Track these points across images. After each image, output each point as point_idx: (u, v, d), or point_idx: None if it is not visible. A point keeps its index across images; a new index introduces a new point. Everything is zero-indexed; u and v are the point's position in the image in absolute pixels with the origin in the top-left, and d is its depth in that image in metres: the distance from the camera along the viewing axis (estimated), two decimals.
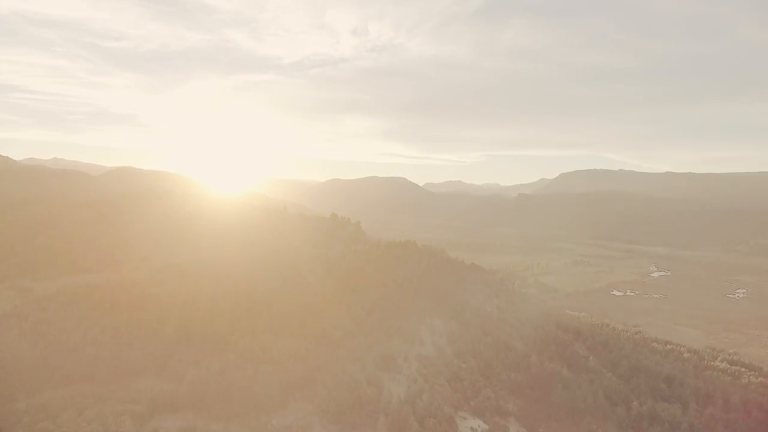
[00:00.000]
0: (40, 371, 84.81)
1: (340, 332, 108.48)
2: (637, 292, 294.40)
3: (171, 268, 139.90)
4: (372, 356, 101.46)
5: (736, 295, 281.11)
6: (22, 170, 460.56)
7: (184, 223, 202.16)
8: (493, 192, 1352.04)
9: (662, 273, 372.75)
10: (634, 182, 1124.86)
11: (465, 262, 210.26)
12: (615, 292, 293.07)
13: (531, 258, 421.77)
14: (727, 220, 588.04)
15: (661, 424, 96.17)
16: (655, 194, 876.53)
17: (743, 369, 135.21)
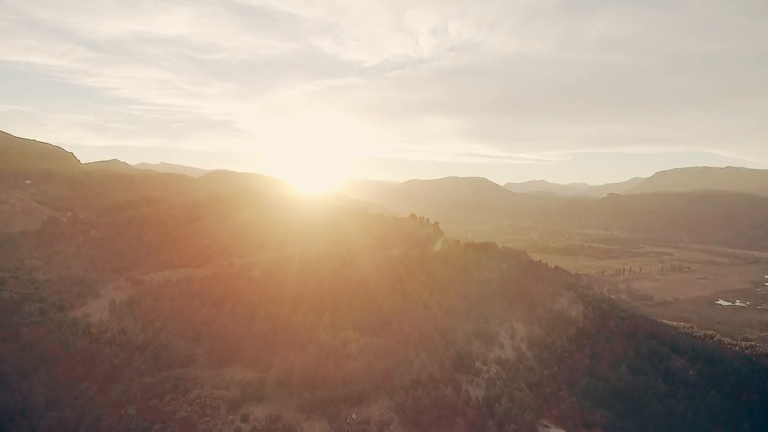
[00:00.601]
0: (152, 354, 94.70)
1: (418, 332, 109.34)
2: (747, 303, 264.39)
3: (259, 265, 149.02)
4: (450, 357, 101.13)
5: None
6: (135, 174, 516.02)
7: (272, 222, 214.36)
8: (579, 192, 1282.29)
9: None
10: (742, 180, 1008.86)
11: (548, 264, 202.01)
12: (721, 302, 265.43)
13: (622, 262, 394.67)
14: None
15: None
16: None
17: None
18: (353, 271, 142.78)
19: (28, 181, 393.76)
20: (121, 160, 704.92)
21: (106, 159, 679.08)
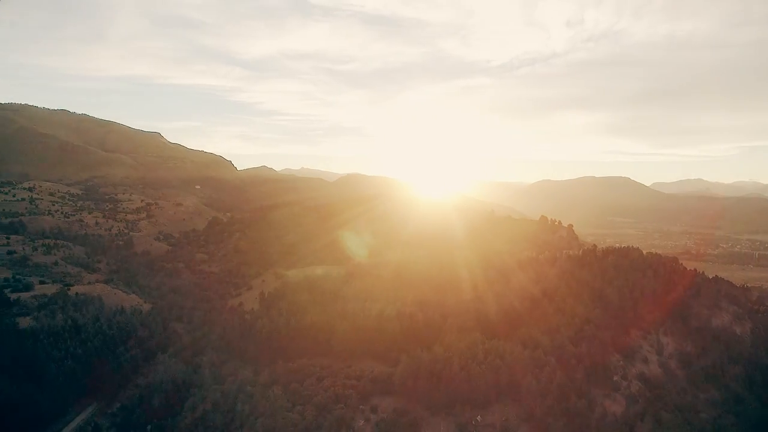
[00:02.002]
0: (293, 342, 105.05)
1: (549, 339, 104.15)
2: None
3: (389, 264, 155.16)
4: (583, 368, 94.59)
5: None
6: (280, 178, 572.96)
7: (400, 223, 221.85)
8: (749, 191, 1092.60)
9: None
10: None
11: (705, 274, 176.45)
12: None
13: None
14: None
15: None
16: None
17: None
18: (480, 274, 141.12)
19: (198, 186, 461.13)
20: (269, 167, 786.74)
21: (257, 166, 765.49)
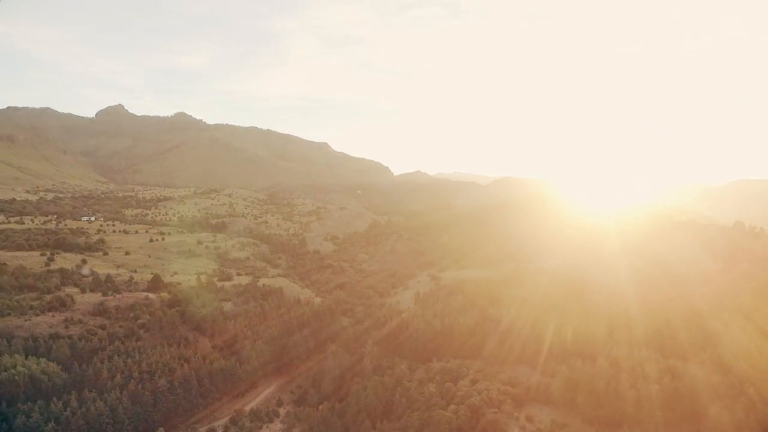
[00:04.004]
0: (446, 342, 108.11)
1: (746, 364, 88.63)
2: None
3: (546, 271, 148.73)
4: None
5: None
6: (433, 183, 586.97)
7: (557, 227, 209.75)
8: None
9: None
10: None
11: None
12: None
13: None
14: None
15: None
16: None
17: None
18: (654, 284, 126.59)
19: (359, 191, 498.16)
20: (423, 171, 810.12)
21: (411, 171, 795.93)
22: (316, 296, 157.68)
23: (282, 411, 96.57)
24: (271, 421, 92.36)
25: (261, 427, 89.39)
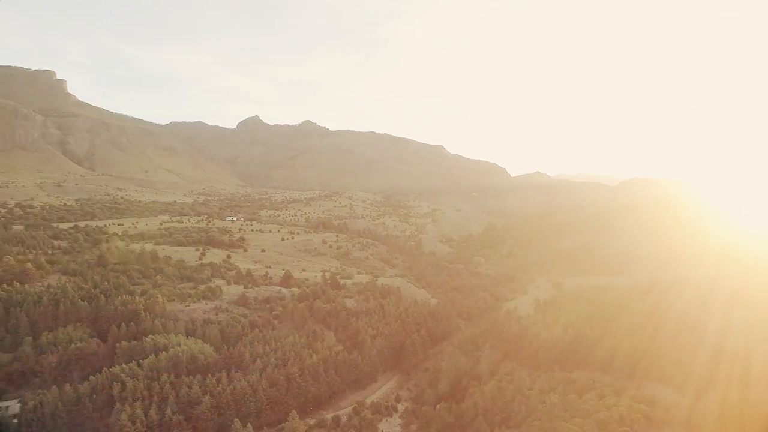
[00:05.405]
0: (570, 352, 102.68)
1: None
2: None
3: (686, 281, 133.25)
4: None
5: None
6: (554, 184, 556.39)
7: (697, 233, 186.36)
8: None
9: None
10: None
11: None
12: None
13: None
14: None
15: None
16: None
17: None
18: None
19: (474, 193, 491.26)
20: (542, 172, 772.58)
21: (530, 173, 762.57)
22: (432, 297, 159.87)
23: (400, 407, 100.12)
24: (390, 415, 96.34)
25: (380, 420, 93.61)
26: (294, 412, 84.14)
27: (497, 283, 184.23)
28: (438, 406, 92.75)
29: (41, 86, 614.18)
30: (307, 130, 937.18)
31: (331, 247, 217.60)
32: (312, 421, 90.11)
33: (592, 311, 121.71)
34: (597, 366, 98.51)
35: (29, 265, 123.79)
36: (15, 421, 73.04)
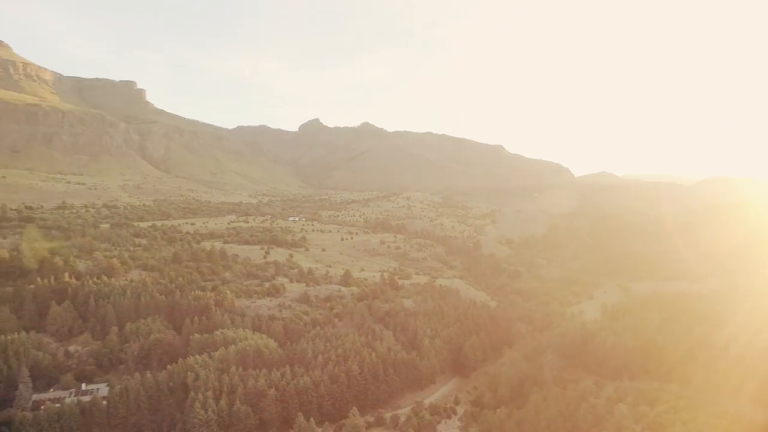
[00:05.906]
0: (639, 360, 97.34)
1: None
2: None
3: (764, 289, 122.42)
4: None
5: None
6: (624, 184, 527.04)
7: None
8: None
9: None
10: None
11: None
12: None
13: None
14: None
15: None
16: None
17: None
18: None
19: (536, 194, 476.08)
20: (609, 172, 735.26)
21: (595, 172, 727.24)
22: (491, 300, 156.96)
23: (459, 409, 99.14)
24: (448, 417, 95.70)
25: (439, 422, 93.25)
26: (354, 408, 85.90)
27: (561, 287, 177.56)
28: (498, 410, 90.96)
29: (124, 96, 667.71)
30: (366, 131, 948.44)
31: (389, 247, 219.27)
32: (371, 419, 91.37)
33: (665, 319, 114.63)
34: (669, 377, 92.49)
35: (115, 260, 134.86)
36: (105, 402, 79.92)
